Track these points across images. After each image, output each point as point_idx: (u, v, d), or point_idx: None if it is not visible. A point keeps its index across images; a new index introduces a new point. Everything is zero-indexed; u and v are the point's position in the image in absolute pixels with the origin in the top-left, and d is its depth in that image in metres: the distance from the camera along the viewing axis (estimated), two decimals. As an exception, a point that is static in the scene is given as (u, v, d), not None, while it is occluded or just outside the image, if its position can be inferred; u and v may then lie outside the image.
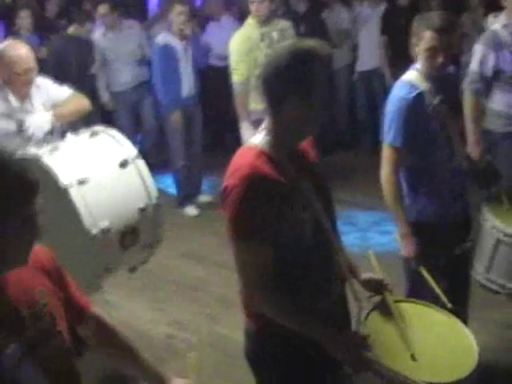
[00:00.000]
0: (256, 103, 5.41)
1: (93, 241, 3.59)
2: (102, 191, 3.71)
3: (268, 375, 2.50)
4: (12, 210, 1.70)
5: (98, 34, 7.28)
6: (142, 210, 3.84)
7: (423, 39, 3.33)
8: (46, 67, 6.02)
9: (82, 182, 3.61)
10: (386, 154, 3.46)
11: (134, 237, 3.82)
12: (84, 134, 3.99)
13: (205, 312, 4.86)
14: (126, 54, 7.14)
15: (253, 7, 5.55)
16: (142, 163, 3.93)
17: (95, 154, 3.88)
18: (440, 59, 3.32)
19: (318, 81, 2.21)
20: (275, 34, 5.62)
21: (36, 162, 3.62)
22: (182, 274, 5.48)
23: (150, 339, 4.53)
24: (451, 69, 3.67)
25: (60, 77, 4.66)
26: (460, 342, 2.44)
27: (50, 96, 4.18)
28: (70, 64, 6.80)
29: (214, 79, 7.09)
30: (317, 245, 2.36)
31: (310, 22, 7.35)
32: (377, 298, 2.60)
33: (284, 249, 2.27)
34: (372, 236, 5.53)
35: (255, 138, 2.36)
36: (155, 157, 7.17)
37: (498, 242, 3.40)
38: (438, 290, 2.92)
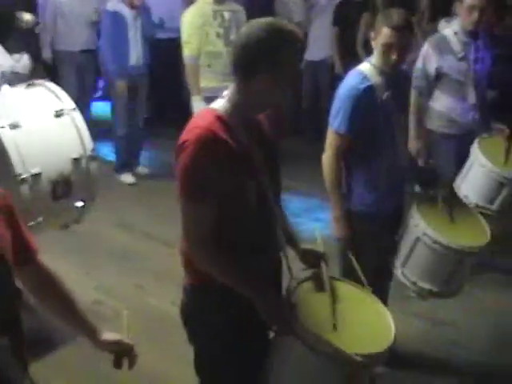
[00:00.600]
0: (207, 81, 5.45)
1: (23, 185, 3.59)
2: (35, 137, 3.71)
3: (202, 330, 2.56)
4: None
5: None
6: (76, 161, 3.84)
7: (381, 34, 3.42)
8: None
9: (14, 127, 3.60)
10: (330, 138, 3.54)
11: (67, 188, 3.83)
12: (21, 86, 3.98)
13: (132, 281, 4.90)
14: (81, 15, 7.02)
15: None
16: (78, 115, 3.92)
17: (30, 103, 3.89)
18: (394, 56, 3.41)
19: (291, 61, 2.29)
20: (227, 14, 5.66)
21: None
22: (111, 242, 5.49)
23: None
24: (404, 68, 3.76)
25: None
26: (380, 322, 2.58)
27: None
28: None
29: (160, 52, 7.04)
30: (259, 211, 2.44)
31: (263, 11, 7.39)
32: (310, 271, 2.70)
33: (227, 209, 2.34)
34: (303, 222, 5.63)
35: (217, 102, 2.42)
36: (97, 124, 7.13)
37: (417, 239, 3.53)
38: (361, 276, 3.03)
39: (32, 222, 3.66)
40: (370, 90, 3.45)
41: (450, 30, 4.75)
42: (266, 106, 2.44)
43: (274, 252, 2.60)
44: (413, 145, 4.54)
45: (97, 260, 5.19)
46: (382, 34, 3.41)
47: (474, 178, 4.37)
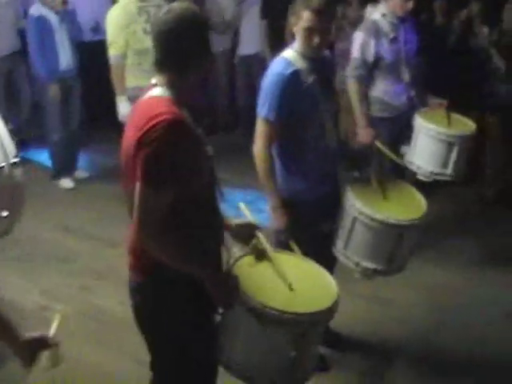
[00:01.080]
0: (136, 79, 5.43)
1: None
2: None
3: (159, 323, 2.61)
4: None
5: None
6: (-3, 169, 3.74)
7: (301, 19, 3.41)
8: None
9: None
10: (260, 128, 3.53)
11: None
12: None
13: (77, 283, 4.87)
14: (5, 21, 6.91)
15: None
16: None
17: None
18: (316, 40, 3.41)
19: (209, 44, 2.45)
20: (152, 9, 5.62)
21: None
22: (53, 246, 5.43)
23: (22, 310, 4.48)
24: (327, 53, 3.80)
25: None
26: (323, 281, 2.74)
27: None
28: None
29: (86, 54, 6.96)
30: (209, 193, 2.55)
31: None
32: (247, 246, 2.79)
33: (184, 192, 2.39)
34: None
35: (154, 91, 2.46)
36: (31, 131, 7.05)
37: (355, 219, 3.57)
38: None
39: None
40: (295, 75, 3.46)
41: (378, 13, 4.86)
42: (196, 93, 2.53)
43: (220, 228, 2.68)
44: (363, 134, 4.66)
45: (40, 265, 5.13)
46: (304, 18, 3.40)
47: (423, 147, 4.49)
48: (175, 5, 2.43)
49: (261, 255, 2.75)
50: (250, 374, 2.54)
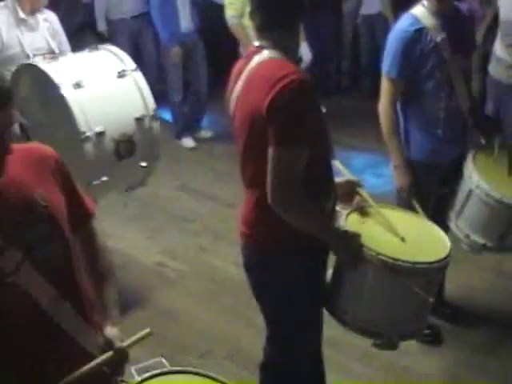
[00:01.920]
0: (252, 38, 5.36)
1: (87, 143, 3.66)
2: (98, 97, 3.78)
3: (273, 294, 2.65)
4: None
5: None
6: (138, 120, 3.89)
7: None
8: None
9: (77, 86, 3.68)
10: (384, 84, 3.48)
11: (130, 147, 3.86)
12: (84, 51, 4.09)
13: (194, 242, 4.94)
14: None
15: None
16: (140, 76, 3.98)
17: (93, 65, 3.96)
18: None
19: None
20: None
21: (32, 66, 3.80)
22: (173, 205, 5.53)
23: (141, 266, 4.63)
24: (463, 7, 3.63)
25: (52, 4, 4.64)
26: (434, 234, 2.75)
27: (55, 30, 4.36)
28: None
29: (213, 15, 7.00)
30: (328, 154, 2.59)
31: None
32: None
33: (313, 153, 2.39)
34: (366, 178, 5.54)
35: (264, 53, 2.46)
36: (155, 89, 7.14)
37: (470, 192, 3.39)
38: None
39: (97, 181, 3.75)
40: (420, 32, 3.35)
41: None
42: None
43: (334, 189, 2.65)
44: None
45: (159, 223, 5.24)
46: None
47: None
48: None
49: (365, 212, 2.74)
50: (377, 329, 2.58)
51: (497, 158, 3.54)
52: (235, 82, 2.56)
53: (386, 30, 7.20)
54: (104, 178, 3.78)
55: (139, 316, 4.03)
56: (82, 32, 6.95)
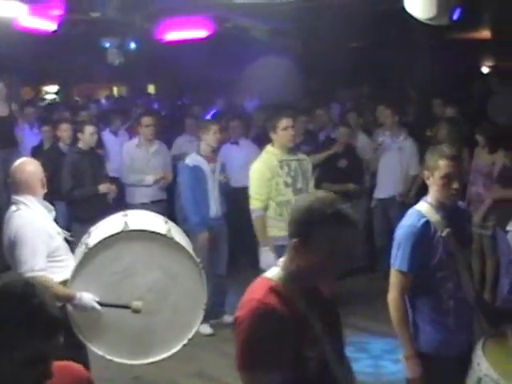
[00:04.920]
0: (278, 230, 5.52)
1: None
2: None
3: None
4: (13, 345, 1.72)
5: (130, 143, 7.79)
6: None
7: (438, 169, 3.52)
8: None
9: None
10: (394, 278, 3.58)
11: None
12: None
13: None
14: (154, 168, 7.54)
15: (281, 135, 5.76)
16: None
17: None
18: (455, 185, 3.50)
19: (341, 235, 2.34)
20: (293, 164, 5.84)
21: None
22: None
23: None
24: (461, 203, 3.80)
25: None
26: None
27: None
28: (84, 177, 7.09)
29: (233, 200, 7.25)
30: (320, 379, 2.42)
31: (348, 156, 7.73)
32: None
33: (289, 378, 2.32)
34: (385, 364, 5.47)
35: (271, 270, 2.48)
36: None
37: (479, 380, 3.28)
38: None
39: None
40: (427, 226, 3.51)
41: None
42: (317, 277, 2.45)
43: None
44: None
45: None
46: (440, 167, 3.50)
47: None
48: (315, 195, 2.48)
49: None
50: None
51: (509, 345, 3.48)
52: None
53: (401, 213, 7.44)
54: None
55: None
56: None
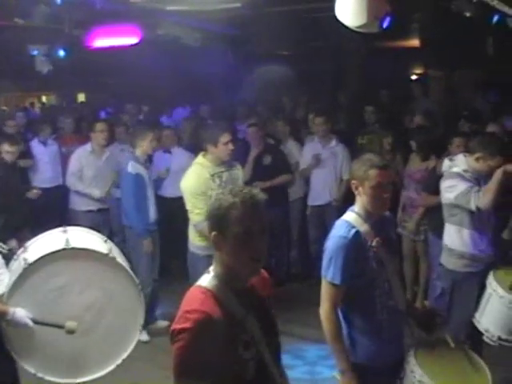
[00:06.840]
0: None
1: None
2: None
3: None
4: None
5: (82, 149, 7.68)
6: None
7: (368, 178, 3.46)
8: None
9: None
10: (326, 290, 3.51)
11: None
12: None
13: None
14: (104, 177, 7.59)
15: (221, 149, 5.71)
16: None
17: None
18: (386, 195, 3.47)
19: (251, 214, 2.41)
20: (224, 175, 5.83)
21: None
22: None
23: None
24: (387, 213, 3.78)
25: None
26: None
27: None
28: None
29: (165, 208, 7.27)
30: (259, 382, 2.44)
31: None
32: None
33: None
34: (321, 370, 5.49)
35: (203, 278, 2.49)
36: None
37: None
38: None
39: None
40: (358, 237, 3.46)
41: (458, 168, 4.81)
42: (242, 268, 2.46)
43: None
44: None
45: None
46: (370, 177, 3.44)
47: (494, 311, 4.34)
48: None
49: None
50: None
51: (439, 351, 3.58)
52: None
53: (338, 218, 7.49)
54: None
55: None
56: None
